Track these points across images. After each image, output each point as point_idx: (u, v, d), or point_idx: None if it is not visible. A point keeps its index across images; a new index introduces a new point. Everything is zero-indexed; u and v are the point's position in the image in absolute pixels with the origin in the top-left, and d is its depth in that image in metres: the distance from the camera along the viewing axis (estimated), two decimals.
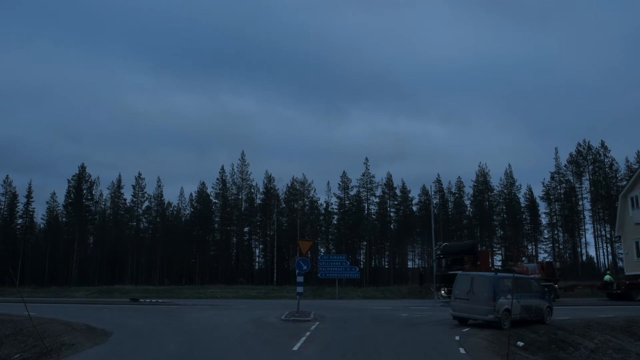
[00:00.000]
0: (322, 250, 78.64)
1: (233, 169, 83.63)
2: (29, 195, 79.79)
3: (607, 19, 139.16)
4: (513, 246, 74.57)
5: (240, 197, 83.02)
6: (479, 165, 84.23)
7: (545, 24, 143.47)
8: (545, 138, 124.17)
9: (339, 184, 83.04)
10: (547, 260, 33.29)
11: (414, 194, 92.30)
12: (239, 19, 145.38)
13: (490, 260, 31.85)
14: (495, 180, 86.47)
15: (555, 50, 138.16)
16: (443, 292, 31.52)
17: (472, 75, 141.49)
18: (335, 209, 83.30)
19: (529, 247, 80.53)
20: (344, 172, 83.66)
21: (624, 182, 39.26)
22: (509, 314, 16.02)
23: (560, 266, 33.11)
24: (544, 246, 79.90)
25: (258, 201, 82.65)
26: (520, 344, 14.28)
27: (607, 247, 70.52)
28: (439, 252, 32.42)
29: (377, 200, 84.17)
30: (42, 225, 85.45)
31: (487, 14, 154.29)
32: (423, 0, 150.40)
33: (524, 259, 41.02)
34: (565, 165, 75.83)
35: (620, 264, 56.64)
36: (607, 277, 35.27)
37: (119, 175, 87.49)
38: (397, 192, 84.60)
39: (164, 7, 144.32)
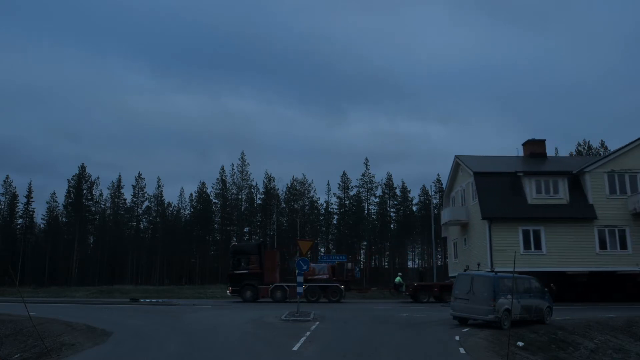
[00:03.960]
0: (322, 250, 78.69)
1: (233, 169, 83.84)
2: (29, 195, 79.92)
3: (605, 20, 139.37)
4: None
5: (240, 197, 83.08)
6: None
7: (545, 26, 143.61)
8: (545, 138, 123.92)
9: (339, 184, 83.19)
10: (339, 262, 34.18)
11: (414, 194, 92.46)
12: (239, 20, 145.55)
13: (278, 260, 32.66)
14: None
15: (554, 51, 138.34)
16: (228, 291, 32.47)
17: (472, 75, 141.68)
18: (335, 209, 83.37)
19: None
20: (344, 172, 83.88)
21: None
22: (509, 314, 16.02)
23: (352, 267, 34.05)
24: None
25: (258, 201, 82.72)
26: (520, 344, 14.29)
27: None
28: (230, 252, 33.35)
29: (377, 200, 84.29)
30: (42, 225, 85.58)
31: (486, 16, 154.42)
32: (422, 1, 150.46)
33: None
34: None
35: None
36: (397, 279, 35.90)
37: (119, 175, 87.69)
38: (397, 192, 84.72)
39: (165, 8, 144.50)
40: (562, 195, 30.97)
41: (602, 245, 30.15)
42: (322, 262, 36.29)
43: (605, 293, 30.45)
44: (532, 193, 30.97)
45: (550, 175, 31.71)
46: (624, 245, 30.23)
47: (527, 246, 30.11)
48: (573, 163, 34.86)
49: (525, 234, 30.24)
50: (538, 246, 30.12)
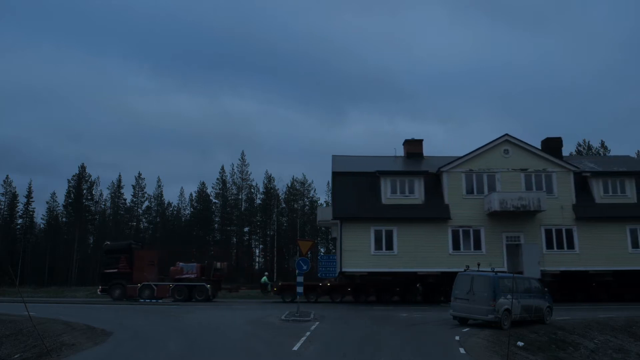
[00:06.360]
0: (322, 250, 78.67)
1: (233, 169, 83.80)
2: (29, 195, 79.81)
3: (604, 20, 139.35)
4: None
5: (240, 197, 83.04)
6: None
7: (544, 26, 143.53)
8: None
9: None
10: (209, 261, 34.61)
11: None
12: (239, 21, 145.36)
13: (153, 259, 33.18)
14: None
15: (553, 51, 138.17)
16: (98, 290, 33.21)
17: (471, 76, 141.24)
18: None
19: None
20: None
21: None
22: (509, 314, 16.04)
23: (221, 267, 34.28)
24: None
25: (258, 201, 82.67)
26: (520, 344, 14.30)
27: None
28: (102, 252, 34.05)
29: None
30: (42, 225, 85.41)
31: (485, 16, 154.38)
32: (421, 3, 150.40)
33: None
34: None
35: None
36: (263, 279, 36.42)
37: (119, 175, 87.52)
38: None
39: (165, 8, 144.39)
40: (417, 195, 30.35)
41: (456, 246, 29.55)
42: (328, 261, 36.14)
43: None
44: (387, 193, 30.33)
45: (407, 175, 31.05)
46: (478, 246, 29.69)
47: (378, 246, 29.46)
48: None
49: (377, 234, 29.59)
50: (390, 246, 29.47)
